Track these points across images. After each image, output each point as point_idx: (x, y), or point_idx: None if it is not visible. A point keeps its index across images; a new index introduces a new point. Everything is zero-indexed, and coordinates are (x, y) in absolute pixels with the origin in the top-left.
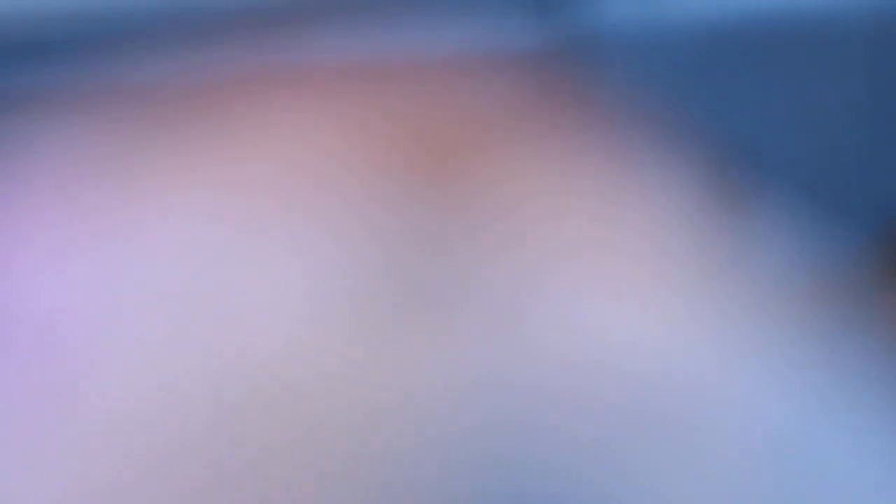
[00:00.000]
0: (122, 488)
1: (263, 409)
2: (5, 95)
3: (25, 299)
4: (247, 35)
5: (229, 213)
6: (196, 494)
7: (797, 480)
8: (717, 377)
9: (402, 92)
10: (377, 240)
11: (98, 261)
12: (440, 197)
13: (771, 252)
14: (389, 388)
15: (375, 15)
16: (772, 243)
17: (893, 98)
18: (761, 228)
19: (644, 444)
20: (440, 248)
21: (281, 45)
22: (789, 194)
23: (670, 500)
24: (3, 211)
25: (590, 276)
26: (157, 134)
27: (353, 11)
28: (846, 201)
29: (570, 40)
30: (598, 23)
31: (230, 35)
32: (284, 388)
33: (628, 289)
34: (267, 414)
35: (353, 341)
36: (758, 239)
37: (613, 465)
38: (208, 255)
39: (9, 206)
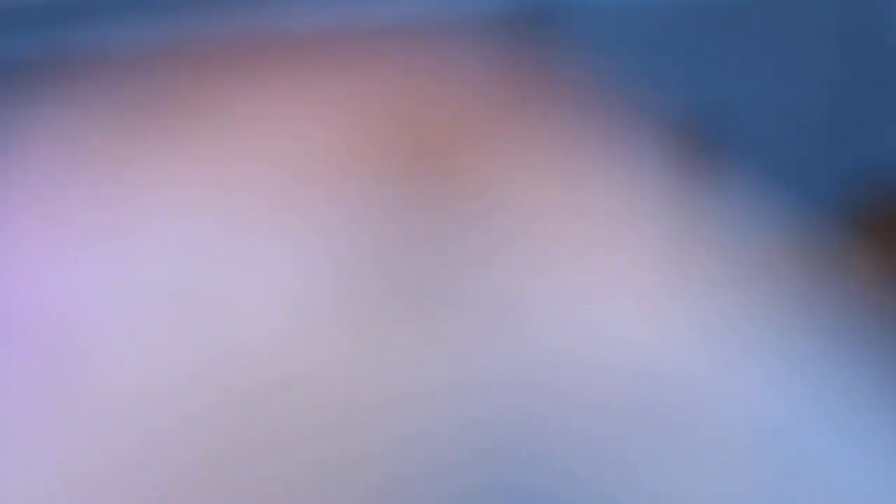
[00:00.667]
0: (117, 481)
1: (256, 405)
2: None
3: (19, 296)
4: (229, 14)
5: (221, 209)
6: (191, 487)
7: (792, 475)
8: (713, 372)
9: (382, 72)
10: (369, 236)
11: (90, 257)
12: (431, 192)
13: (744, 225)
14: (382, 385)
15: None
16: (744, 216)
17: (863, 68)
18: (733, 201)
19: (639, 439)
20: (432, 244)
21: (264, 20)
22: (759, 165)
23: (667, 496)
24: None
25: (583, 272)
26: (148, 129)
27: None
28: (816, 171)
29: (537, 9)
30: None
31: (216, 16)
32: (277, 384)
33: (621, 283)
34: (260, 410)
35: (345, 338)
36: (731, 213)
37: (609, 461)
38: (200, 252)
39: (2, 202)
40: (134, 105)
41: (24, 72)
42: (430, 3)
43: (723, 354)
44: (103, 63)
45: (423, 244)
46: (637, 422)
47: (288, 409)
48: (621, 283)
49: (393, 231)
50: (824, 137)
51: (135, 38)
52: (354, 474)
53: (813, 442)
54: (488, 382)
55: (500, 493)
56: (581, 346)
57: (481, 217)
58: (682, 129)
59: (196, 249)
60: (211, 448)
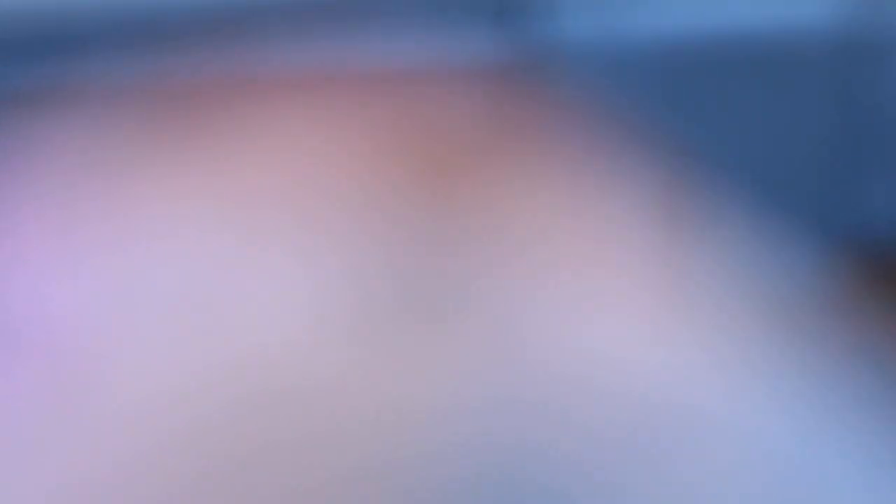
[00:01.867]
0: (124, 488)
1: (265, 414)
2: (4, 95)
3: (27, 304)
4: (238, 42)
5: (232, 221)
6: (199, 494)
7: (790, 499)
8: (714, 397)
9: (385, 101)
10: (380, 249)
11: (100, 267)
12: (440, 206)
13: (745, 265)
14: (386, 397)
15: (332, 26)
16: (743, 257)
17: (858, 115)
18: (732, 242)
19: (634, 462)
20: (440, 257)
21: (271, 52)
22: (755, 210)
23: None
24: (5, 216)
25: (586, 294)
26: (158, 141)
27: (318, 21)
28: (811, 217)
29: (528, 54)
30: (557, 37)
31: (225, 41)
32: (284, 394)
33: (621, 306)
34: (269, 419)
35: (351, 350)
36: (731, 252)
37: (604, 483)
38: (210, 262)
39: (10, 211)
40: (148, 124)
41: (33, 96)
42: (422, 47)
43: (725, 378)
44: (117, 87)
45: (432, 258)
46: (634, 444)
47: (296, 419)
48: (622, 306)
49: (404, 244)
50: (820, 183)
51: (150, 64)
52: (356, 484)
53: (812, 465)
54: (494, 399)
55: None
56: (581, 368)
57: (488, 232)
58: (675, 162)
59: (206, 260)
60: (218, 457)
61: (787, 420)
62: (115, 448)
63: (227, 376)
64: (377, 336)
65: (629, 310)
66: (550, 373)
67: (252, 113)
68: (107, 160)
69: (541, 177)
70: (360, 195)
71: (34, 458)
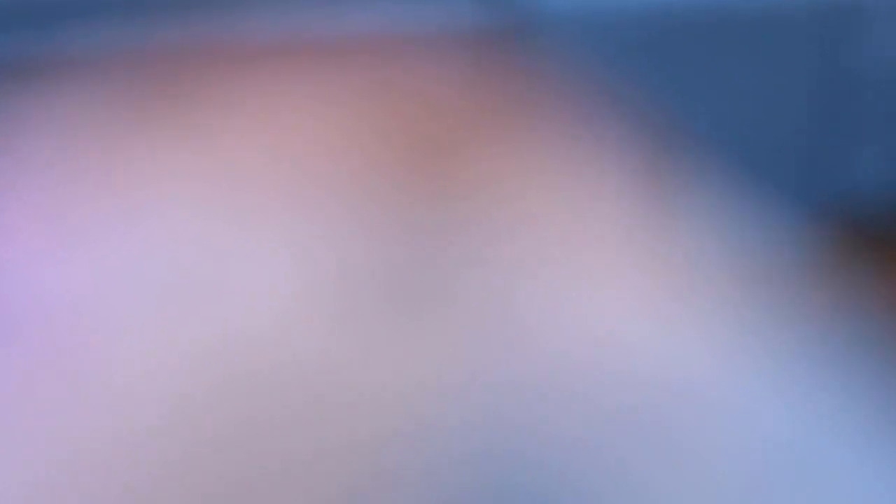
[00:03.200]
0: (112, 466)
1: (249, 397)
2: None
3: (20, 289)
4: (220, 12)
5: (221, 203)
6: (184, 472)
7: (787, 482)
8: (707, 375)
9: (369, 72)
10: (366, 232)
11: (88, 250)
12: (429, 188)
13: (732, 236)
14: (376, 382)
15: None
16: (730, 227)
17: (841, 80)
18: (719, 212)
19: (633, 442)
20: (429, 241)
21: (252, 22)
22: (739, 179)
23: (659, 499)
24: None
25: (580, 273)
26: (143, 117)
27: None
28: (791, 186)
29: (509, 24)
30: (537, 7)
31: (208, 12)
32: (270, 377)
33: (616, 285)
34: (253, 402)
35: (340, 334)
36: (719, 223)
37: (603, 465)
38: (195, 245)
39: (3, 191)
40: (134, 98)
41: (18, 68)
42: (403, 16)
43: (720, 357)
44: (102, 59)
45: (420, 241)
46: (632, 424)
47: (283, 402)
48: (616, 286)
49: (392, 226)
50: (801, 152)
51: (134, 36)
52: (347, 470)
53: (809, 446)
54: (485, 381)
55: (491, 493)
56: (577, 347)
57: (479, 214)
58: (664, 135)
59: (193, 243)
60: (205, 438)
61: (784, 399)
62: (104, 429)
63: (213, 359)
64: (365, 319)
65: (624, 289)
66: (545, 354)
67: (236, 85)
68: (92, 138)
69: (528, 153)
70: (347, 177)
71: (23, 441)
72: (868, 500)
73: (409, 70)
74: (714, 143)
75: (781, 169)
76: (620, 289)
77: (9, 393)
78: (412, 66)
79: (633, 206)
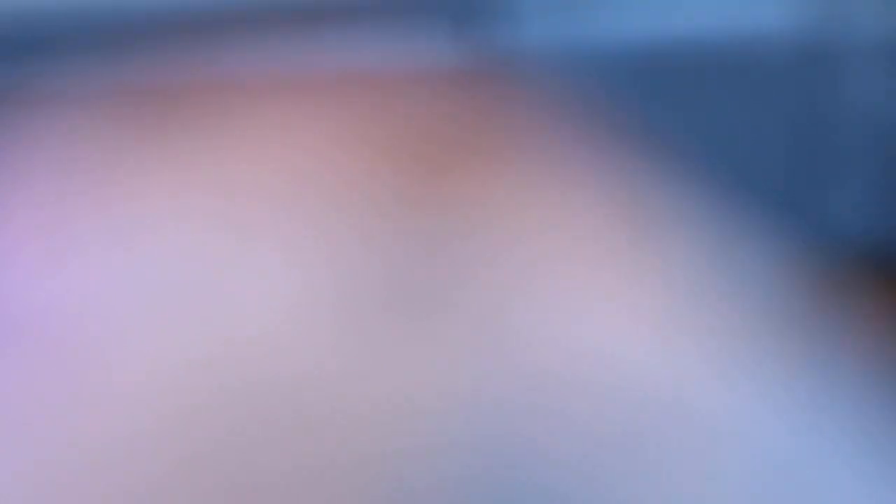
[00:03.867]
0: (110, 470)
1: (247, 405)
2: (2, 92)
3: (21, 297)
4: (209, 44)
5: (221, 215)
6: (181, 479)
7: (784, 501)
8: (701, 392)
9: (359, 101)
10: (364, 242)
11: (87, 261)
12: (427, 202)
13: (715, 265)
14: (372, 391)
15: (300, 30)
16: (712, 257)
17: (819, 121)
18: (701, 242)
19: (627, 460)
20: (430, 253)
21: (238, 55)
22: (719, 212)
23: None
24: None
25: (573, 288)
26: (152, 136)
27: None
28: (772, 222)
29: (492, 58)
30: (520, 41)
31: (218, 39)
32: (269, 386)
33: (609, 300)
34: (251, 411)
35: (338, 344)
36: (701, 252)
37: (596, 481)
38: (196, 256)
39: (5, 205)
40: (136, 112)
41: (12, 92)
42: (389, 51)
43: (714, 375)
44: (98, 90)
45: (421, 253)
46: (625, 443)
47: (281, 411)
48: (610, 302)
49: (391, 239)
50: (774, 196)
51: (140, 70)
52: (345, 478)
53: (805, 464)
54: (482, 395)
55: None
56: (573, 365)
57: (476, 227)
58: (640, 162)
59: (195, 253)
60: (204, 446)
61: (779, 417)
62: (104, 436)
63: (212, 368)
64: (364, 331)
65: (617, 305)
66: (539, 369)
67: (232, 112)
68: (92, 153)
69: (523, 173)
70: (345, 189)
71: (24, 443)
72: None
73: (402, 98)
74: (690, 178)
75: (756, 207)
76: (614, 305)
77: (10, 398)
78: (405, 96)
79: (624, 224)
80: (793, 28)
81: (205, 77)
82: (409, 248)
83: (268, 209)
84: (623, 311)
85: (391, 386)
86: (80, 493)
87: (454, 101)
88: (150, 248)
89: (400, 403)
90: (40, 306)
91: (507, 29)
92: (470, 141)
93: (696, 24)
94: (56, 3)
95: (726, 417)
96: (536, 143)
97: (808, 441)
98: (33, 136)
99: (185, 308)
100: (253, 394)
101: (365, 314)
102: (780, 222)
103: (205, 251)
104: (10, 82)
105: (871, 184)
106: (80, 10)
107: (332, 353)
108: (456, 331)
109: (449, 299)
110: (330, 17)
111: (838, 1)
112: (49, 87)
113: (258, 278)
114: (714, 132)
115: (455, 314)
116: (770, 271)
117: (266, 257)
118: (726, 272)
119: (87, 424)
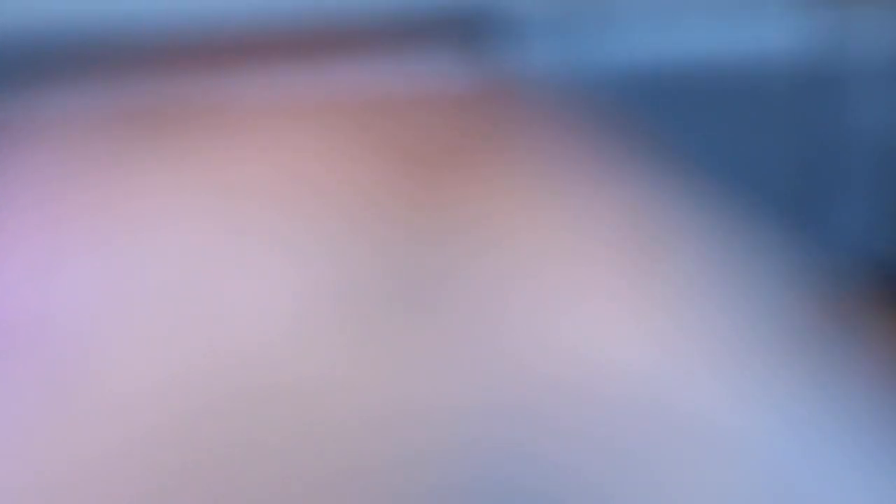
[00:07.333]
0: (109, 478)
1: (248, 410)
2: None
3: (17, 301)
4: (209, 69)
5: (222, 215)
6: (182, 488)
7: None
8: (699, 396)
9: (363, 119)
10: (363, 244)
11: (88, 263)
12: (425, 201)
13: (716, 274)
14: (370, 394)
15: (303, 55)
16: (713, 267)
17: (820, 146)
18: (701, 249)
19: (624, 469)
20: (425, 253)
21: (241, 80)
22: (718, 230)
23: None
24: None
25: (572, 289)
26: (152, 138)
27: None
28: (773, 244)
29: (496, 80)
30: (524, 63)
31: (224, 64)
32: (269, 389)
33: (606, 303)
34: (252, 415)
35: (337, 346)
36: (702, 258)
37: (594, 490)
38: (195, 257)
39: (1, 206)
40: (135, 112)
41: (20, 106)
42: (392, 74)
43: (712, 379)
44: (108, 97)
45: (418, 254)
46: (621, 447)
47: (281, 416)
48: (606, 304)
49: (389, 240)
50: (775, 220)
51: (140, 80)
52: (343, 480)
53: (806, 473)
54: (478, 401)
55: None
56: (566, 368)
57: (474, 231)
58: (640, 176)
59: (193, 255)
60: (204, 452)
61: (774, 421)
62: (103, 442)
63: (213, 371)
64: (362, 332)
65: (614, 308)
66: (535, 371)
67: (234, 126)
68: (98, 159)
69: (524, 176)
70: (345, 190)
71: (19, 450)
72: None
73: (408, 117)
74: (691, 200)
75: (757, 230)
76: (609, 307)
77: (5, 404)
78: (411, 115)
79: (629, 233)
80: (798, 49)
81: (208, 100)
82: (411, 250)
83: (267, 210)
84: (627, 317)
85: (392, 391)
86: (77, 502)
87: (460, 119)
88: (148, 250)
89: (401, 409)
90: (36, 311)
91: (513, 50)
92: (475, 148)
93: (703, 46)
94: (53, 24)
95: (731, 429)
96: (541, 157)
97: (816, 457)
98: (29, 150)
99: (185, 311)
100: (252, 398)
101: (365, 317)
102: (785, 241)
103: (204, 253)
104: (9, 103)
105: (877, 204)
106: (75, 32)
107: (332, 358)
108: (458, 335)
109: (448, 299)
110: (335, 41)
111: (843, 24)
112: (46, 108)
113: (258, 281)
114: (719, 153)
115: (457, 318)
116: (776, 288)
117: (266, 259)
118: (732, 287)
119: (85, 431)
